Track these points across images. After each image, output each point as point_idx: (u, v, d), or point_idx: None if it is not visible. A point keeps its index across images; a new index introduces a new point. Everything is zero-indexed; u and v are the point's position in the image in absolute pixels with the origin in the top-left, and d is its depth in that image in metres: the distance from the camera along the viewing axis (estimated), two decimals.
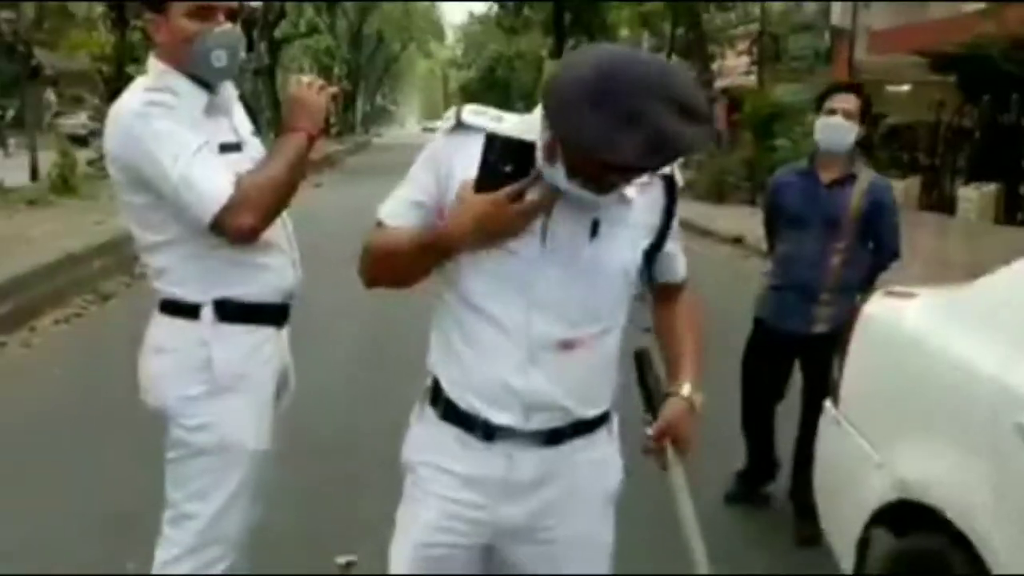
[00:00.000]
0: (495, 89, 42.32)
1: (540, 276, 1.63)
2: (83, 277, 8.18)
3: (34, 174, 14.86)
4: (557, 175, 1.51)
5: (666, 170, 1.67)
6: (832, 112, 3.55)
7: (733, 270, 9.94)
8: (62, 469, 4.18)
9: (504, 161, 1.52)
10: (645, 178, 1.62)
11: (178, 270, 2.15)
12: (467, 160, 1.57)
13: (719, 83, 23.03)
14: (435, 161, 1.67)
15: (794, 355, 3.80)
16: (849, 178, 3.62)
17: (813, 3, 21.23)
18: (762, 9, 18.77)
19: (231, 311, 2.16)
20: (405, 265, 1.70)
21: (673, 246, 1.80)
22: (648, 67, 1.40)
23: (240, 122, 2.26)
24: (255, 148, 2.26)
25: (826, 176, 3.65)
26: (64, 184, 13.44)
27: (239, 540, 2.25)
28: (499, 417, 1.68)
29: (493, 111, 1.67)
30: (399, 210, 1.70)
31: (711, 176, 16.88)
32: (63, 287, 7.89)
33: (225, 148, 2.14)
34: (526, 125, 1.59)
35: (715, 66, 22.54)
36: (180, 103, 2.09)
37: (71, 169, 13.62)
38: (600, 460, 1.80)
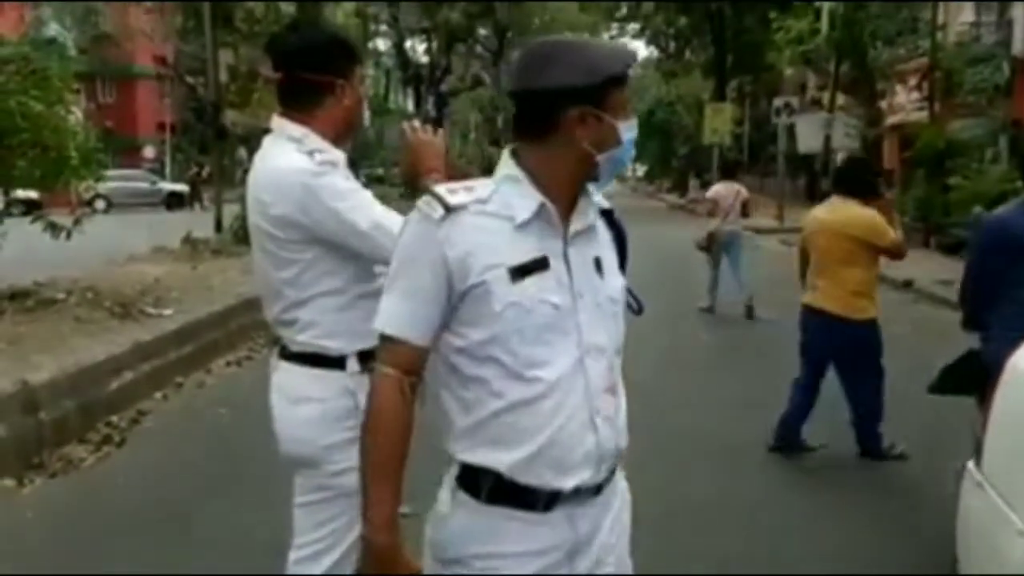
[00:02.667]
0: (655, 133, 42.11)
1: (581, 323, 1.69)
2: (255, 322, 8.70)
3: (218, 226, 15.99)
4: (530, 199, 1.67)
5: (604, 204, 1.81)
6: None
7: (906, 318, 9.28)
8: (220, 503, 4.48)
9: None
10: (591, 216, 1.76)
11: (326, 323, 2.29)
12: (478, 237, 1.64)
13: (889, 120, 22.10)
14: (434, 253, 1.64)
15: None
16: None
17: (991, 34, 20.09)
18: (932, 43, 17.92)
19: (371, 360, 2.29)
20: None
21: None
22: None
23: None
24: None
25: None
26: (245, 235, 14.36)
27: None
28: (572, 481, 1.68)
29: (458, 185, 1.72)
30: (413, 322, 1.67)
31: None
32: (236, 331, 8.45)
33: None
34: (489, 184, 1.71)
35: (883, 103, 21.65)
36: (337, 160, 2.29)
37: None
38: (623, 490, 1.85)
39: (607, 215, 1.83)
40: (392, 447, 1.68)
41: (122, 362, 6.39)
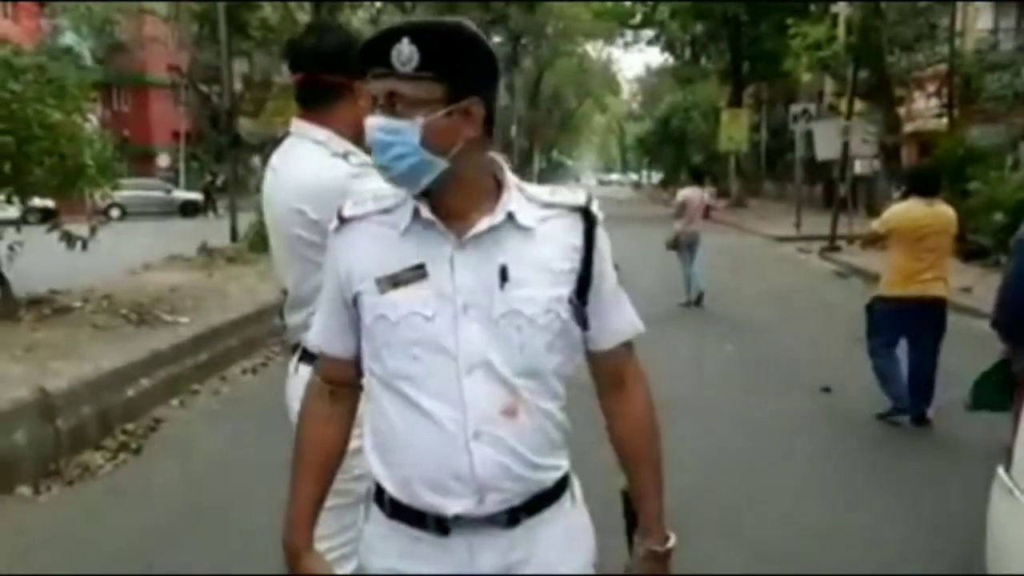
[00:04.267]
0: (670, 140, 42.07)
1: (462, 338, 1.53)
2: (271, 329, 8.70)
3: (234, 234, 16.04)
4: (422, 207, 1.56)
5: (580, 200, 1.62)
6: None
7: None
8: (238, 510, 4.45)
9: None
10: (548, 211, 1.60)
11: None
12: (362, 247, 1.60)
13: (907, 127, 21.97)
14: (333, 265, 1.66)
15: None
16: None
17: (1010, 41, 19.96)
18: (951, 49, 17.79)
19: None
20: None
21: (608, 296, 1.65)
22: None
23: None
24: None
25: None
26: (260, 242, 14.42)
27: None
28: (451, 508, 1.55)
29: (374, 195, 1.66)
30: (327, 334, 1.70)
31: None
32: (253, 338, 8.45)
33: None
34: (401, 192, 1.61)
35: (902, 109, 21.53)
36: (370, 161, 2.26)
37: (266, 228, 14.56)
38: (567, 533, 1.66)
39: (583, 212, 1.61)
40: (309, 450, 1.72)
41: (139, 369, 6.38)
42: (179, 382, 6.85)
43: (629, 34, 46.77)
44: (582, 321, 1.61)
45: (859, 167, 23.35)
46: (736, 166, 33.75)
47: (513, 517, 1.58)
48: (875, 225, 6.26)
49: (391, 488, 1.60)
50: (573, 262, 1.58)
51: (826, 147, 19.38)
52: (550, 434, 1.60)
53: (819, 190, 29.81)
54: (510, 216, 1.55)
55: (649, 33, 44.25)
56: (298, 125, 2.33)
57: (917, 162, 22.10)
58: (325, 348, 1.71)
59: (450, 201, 1.56)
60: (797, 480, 5.03)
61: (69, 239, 8.65)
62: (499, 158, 1.63)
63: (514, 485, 1.56)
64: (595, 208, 1.62)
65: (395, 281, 1.55)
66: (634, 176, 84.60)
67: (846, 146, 18.49)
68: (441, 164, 1.52)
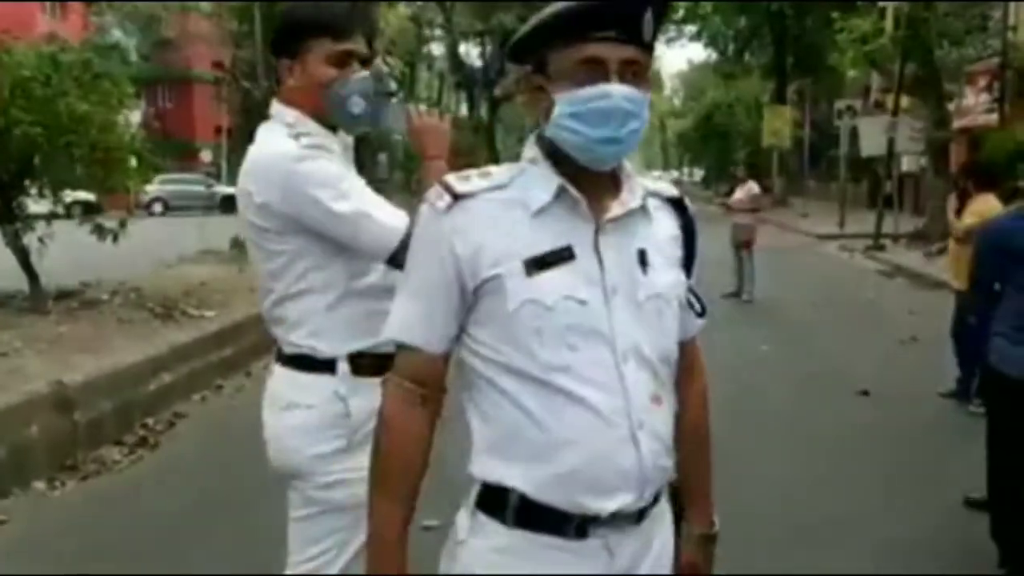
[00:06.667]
0: (713, 137, 41.59)
1: (616, 323, 1.45)
2: None
3: None
4: (548, 176, 1.46)
5: (675, 192, 1.61)
6: None
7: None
8: (252, 506, 4.34)
9: None
10: (653, 199, 1.55)
11: (315, 322, 2.13)
12: (490, 226, 1.45)
13: (957, 123, 21.37)
14: (442, 248, 1.46)
15: None
16: None
17: None
18: (1003, 42, 17.26)
19: (364, 364, 2.11)
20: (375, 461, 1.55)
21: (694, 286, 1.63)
22: None
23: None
24: None
25: None
26: None
27: None
28: (611, 504, 1.44)
29: (474, 171, 1.51)
30: (425, 327, 1.49)
31: (945, 223, 15.54)
32: None
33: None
34: (511, 169, 1.51)
35: (951, 105, 20.94)
36: (328, 144, 2.13)
37: None
38: (667, 524, 1.60)
39: (676, 204, 1.61)
40: (396, 461, 1.50)
41: (160, 363, 6.33)
42: (203, 377, 6.79)
43: (671, 29, 46.29)
44: (692, 307, 1.61)
45: (906, 164, 22.84)
46: (779, 163, 33.27)
47: (642, 511, 1.50)
48: None
49: (531, 491, 1.43)
50: (679, 250, 1.59)
51: (872, 143, 18.95)
52: (674, 423, 1.57)
53: (864, 188, 29.23)
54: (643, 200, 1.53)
55: (692, 28, 43.80)
56: (274, 107, 2.25)
57: (968, 159, 21.56)
58: (419, 342, 1.49)
59: (600, 181, 1.48)
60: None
61: (100, 231, 8.62)
62: None
63: (662, 476, 1.52)
64: (687, 200, 1.64)
65: (544, 263, 1.42)
66: (675, 173, 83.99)
67: (892, 142, 18.04)
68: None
